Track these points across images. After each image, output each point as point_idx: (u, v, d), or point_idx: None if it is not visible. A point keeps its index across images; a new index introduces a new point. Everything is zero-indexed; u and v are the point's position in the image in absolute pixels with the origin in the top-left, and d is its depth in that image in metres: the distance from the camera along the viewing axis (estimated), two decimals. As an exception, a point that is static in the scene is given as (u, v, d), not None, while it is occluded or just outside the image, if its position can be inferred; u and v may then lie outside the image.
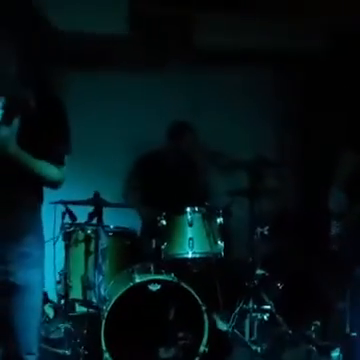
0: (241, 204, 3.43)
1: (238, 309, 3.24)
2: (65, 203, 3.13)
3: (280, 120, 4.39)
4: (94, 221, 3.08)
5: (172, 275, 2.86)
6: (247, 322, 3.19)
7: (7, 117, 1.65)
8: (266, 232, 3.16)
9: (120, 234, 3.28)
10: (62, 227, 3.17)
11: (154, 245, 3.10)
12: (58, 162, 1.83)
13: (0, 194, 1.73)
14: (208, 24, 3.90)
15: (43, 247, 1.87)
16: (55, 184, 1.87)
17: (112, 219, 3.26)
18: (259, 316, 3.16)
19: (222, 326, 3.21)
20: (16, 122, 1.67)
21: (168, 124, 3.71)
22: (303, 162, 4.36)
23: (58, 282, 3.27)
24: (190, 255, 3.04)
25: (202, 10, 3.81)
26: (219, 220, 3.13)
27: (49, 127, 1.78)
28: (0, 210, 1.74)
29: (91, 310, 3.10)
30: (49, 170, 1.81)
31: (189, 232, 3.05)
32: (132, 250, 3.23)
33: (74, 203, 3.16)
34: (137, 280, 2.80)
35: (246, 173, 3.41)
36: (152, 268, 2.96)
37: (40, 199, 1.88)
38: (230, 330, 3.17)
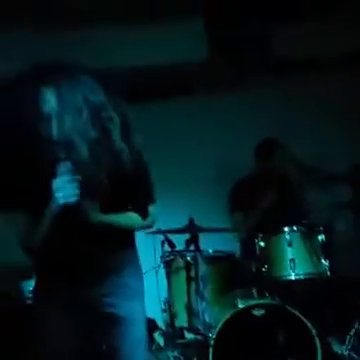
0: (346, 219, 3.25)
1: (354, 330, 3.03)
2: (163, 232, 3.18)
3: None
4: (192, 247, 3.10)
5: (276, 298, 2.75)
6: (365, 344, 2.97)
7: (87, 189, 1.65)
8: (376, 246, 2.93)
9: (219, 258, 3.24)
10: (162, 256, 3.23)
11: (254, 268, 3.02)
12: (143, 215, 1.85)
13: (96, 241, 1.77)
14: (286, 35, 3.81)
15: (142, 279, 1.90)
16: (143, 229, 1.94)
17: (210, 243, 3.24)
18: (378, 337, 2.92)
19: (338, 349, 3.02)
20: (98, 193, 1.68)
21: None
22: None
23: (164, 310, 3.32)
24: (293, 277, 2.90)
25: (279, 22, 3.73)
26: (321, 237, 2.95)
27: (133, 185, 1.77)
28: (98, 251, 1.78)
29: (198, 337, 3.09)
30: (135, 221, 1.85)
31: (289, 252, 2.91)
32: (232, 274, 3.16)
33: (171, 231, 3.20)
34: (240, 306, 2.74)
35: (347, 185, 3.24)
36: (255, 292, 2.88)
37: (132, 236, 1.92)
38: (347, 353, 2.96)
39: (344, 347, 2.98)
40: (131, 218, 1.83)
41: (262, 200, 3.35)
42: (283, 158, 3.52)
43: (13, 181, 1.64)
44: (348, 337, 3.00)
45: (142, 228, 1.94)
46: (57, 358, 1.77)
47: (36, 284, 1.87)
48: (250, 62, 3.80)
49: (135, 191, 1.79)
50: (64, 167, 1.60)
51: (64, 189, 1.60)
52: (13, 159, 1.61)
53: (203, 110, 4.11)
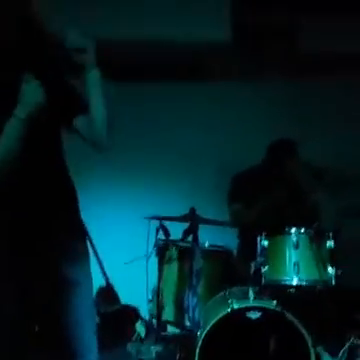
0: (355, 225, 3.06)
1: (348, 344, 2.86)
2: (159, 219, 2.99)
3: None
4: (189, 238, 2.91)
5: (274, 303, 2.56)
6: (358, 361, 2.80)
7: None
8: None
9: (216, 253, 3.07)
10: (156, 243, 3.04)
11: (253, 268, 2.82)
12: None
13: None
14: (314, 29, 3.57)
15: (83, 241, 1.81)
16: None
17: (207, 237, 3.07)
18: (374, 355, 2.75)
19: (329, 360, 2.85)
20: None
21: (268, 140, 3.41)
22: None
23: (150, 300, 3.15)
24: (295, 282, 2.71)
25: (308, 14, 3.49)
26: (329, 243, 2.76)
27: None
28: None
29: (184, 333, 2.92)
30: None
31: (294, 255, 2.72)
32: (228, 271, 3.00)
33: (169, 219, 3.01)
34: (235, 306, 2.55)
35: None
36: (251, 293, 2.68)
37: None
38: (339, 367, 2.79)
39: (335, 360, 2.83)
40: None
41: (268, 196, 3.16)
42: (297, 163, 3.31)
43: None
44: (342, 351, 2.85)
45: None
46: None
47: None
48: (274, 53, 3.56)
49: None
50: None
51: None
52: None
53: (214, 96, 3.88)
